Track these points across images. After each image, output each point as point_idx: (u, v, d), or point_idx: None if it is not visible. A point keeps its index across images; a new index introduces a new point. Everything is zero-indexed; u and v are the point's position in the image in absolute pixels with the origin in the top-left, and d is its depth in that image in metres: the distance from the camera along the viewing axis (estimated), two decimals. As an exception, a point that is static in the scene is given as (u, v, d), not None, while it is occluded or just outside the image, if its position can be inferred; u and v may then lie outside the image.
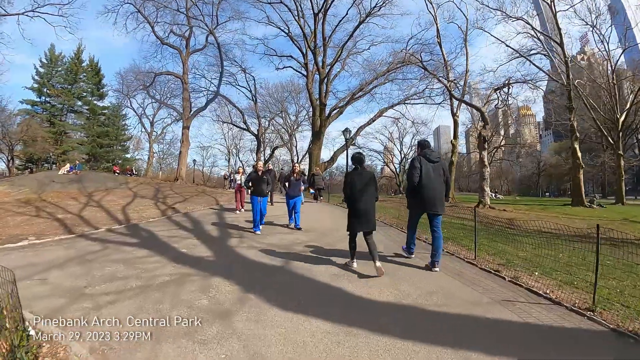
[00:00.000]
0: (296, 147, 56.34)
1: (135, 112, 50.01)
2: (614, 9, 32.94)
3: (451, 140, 30.54)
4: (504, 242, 8.21)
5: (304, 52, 32.38)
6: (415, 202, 6.21)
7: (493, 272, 5.90)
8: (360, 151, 10.67)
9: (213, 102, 37.36)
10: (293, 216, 10.05)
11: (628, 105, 31.73)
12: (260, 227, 9.34)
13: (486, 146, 21.47)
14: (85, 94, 48.96)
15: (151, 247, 7.30)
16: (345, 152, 23.01)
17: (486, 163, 21.13)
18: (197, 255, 6.73)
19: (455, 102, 29.13)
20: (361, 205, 5.73)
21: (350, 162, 7.05)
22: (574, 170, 26.66)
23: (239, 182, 13.66)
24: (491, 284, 5.29)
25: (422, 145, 6.43)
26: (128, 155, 55.37)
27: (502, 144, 64.96)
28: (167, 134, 56.26)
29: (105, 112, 50.98)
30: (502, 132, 64.89)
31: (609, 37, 31.37)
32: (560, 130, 50.55)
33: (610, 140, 32.64)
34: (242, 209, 13.43)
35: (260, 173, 9.81)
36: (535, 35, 28.78)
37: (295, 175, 10.40)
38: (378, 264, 5.56)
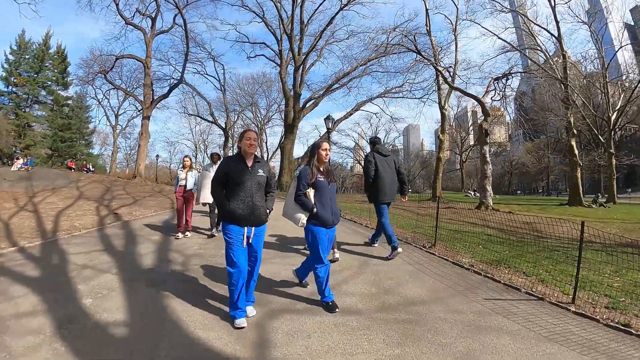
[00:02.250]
0: (266, 143, 54.88)
1: (99, 102, 47.38)
2: (593, 11, 32.36)
3: (438, 135, 29.26)
4: (566, 260, 6.76)
5: (279, 38, 30.75)
6: (375, 194, 6.70)
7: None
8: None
9: (179, 93, 35.45)
10: (321, 279, 4.30)
11: (620, 104, 31.23)
12: (249, 308, 4.05)
13: (488, 140, 19.96)
14: (50, 82, 45.80)
15: (46, 288, 4.70)
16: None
17: (488, 159, 19.23)
18: (105, 320, 3.79)
19: (444, 94, 27.85)
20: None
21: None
22: (571, 168, 25.86)
23: (182, 183, 8.46)
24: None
25: (374, 141, 7.11)
26: (93, 151, 52.75)
27: (471, 143, 65.01)
28: (135, 128, 53.54)
29: (69, 103, 47.97)
30: (471, 132, 65.31)
31: (602, 37, 30.81)
32: (529, 130, 51.28)
33: (602, 139, 32.30)
34: (188, 233, 8.35)
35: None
36: (527, 30, 27.92)
37: (322, 170, 4.50)
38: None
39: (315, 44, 29.89)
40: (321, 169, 4.44)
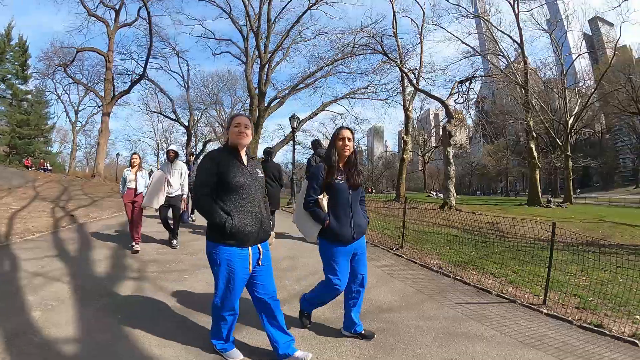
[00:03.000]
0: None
1: (58, 97, 44.86)
2: (554, 20, 33.82)
3: (402, 137, 29.61)
4: (532, 261, 6.81)
5: (245, 35, 29.94)
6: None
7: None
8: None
9: (142, 89, 33.86)
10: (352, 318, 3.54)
11: (577, 109, 32.63)
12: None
13: (451, 142, 20.37)
14: (9, 76, 42.65)
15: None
16: (292, 143, 20.95)
17: (451, 160, 19.65)
18: (54, 335, 3.35)
19: (408, 96, 28.17)
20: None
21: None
22: (530, 169, 26.75)
23: (131, 185, 7.19)
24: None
25: (316, 145, 8.37)
26: (51, 149, 49.57)
27: (434, 145, 66.58)
28: (95, 125, 50.81)
29: (29, 98, 44.83)
30: (433, 134, 66.94)
31: (562, 44, 32.16)
32: (490, 133, 53.26)
33: (559, 142, 33.59)
34: (138, 246, 6.89)
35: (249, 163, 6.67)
36: (491, 35, 28.75)
37: (341, 169, 3.43)
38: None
39: (282, 43, 29.43)
40: (340, 166, 3.36)
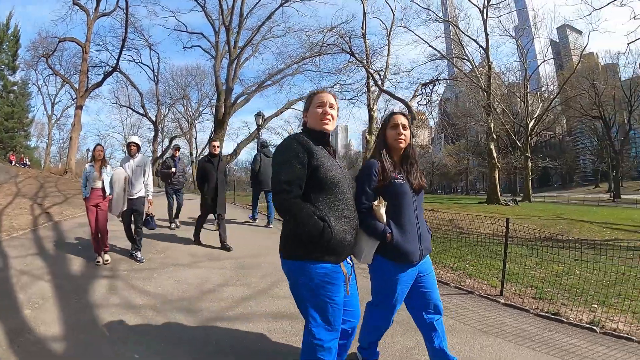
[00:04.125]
0: (196, 138, 51.81)
1: (39, 89, 43.03)
2: (521, 27, 35.13)
3: (366, 136, 30.02)
4: (489, 255, 6.99)
5: (217, 29, 29.43)
6: (256, 185, 9.36)
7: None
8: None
9: (113, 82, 32.69)
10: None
11: (538, 112, 33.94)
12: None
13: (413, 142, 20.68)
14: (2, 67, 40.58)
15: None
16: (256, 141, 20.76)
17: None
18: (44, 333, 3.33)
19: (373, 97, 28.50)
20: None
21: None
22: (490, 170, 27.44)
23: (97, 185, 5.89)
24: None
25: (263, 144, 10.37)
26: (30, 143, 47.46)
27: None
28: (69, 119, 48.85)
29: (15, 90, 42.63)
30: None
31: (527, 50, 33.38)
32: (451, 134, 55.12)
33: (519, 144, 34.80)
34: (108, 257, 5.86)
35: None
36: (457, 40, 29.45)
37: (398, 165, 2.61)
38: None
39: (252, 38, 29.09)
40: (395, 161, 2.56)
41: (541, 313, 4.05)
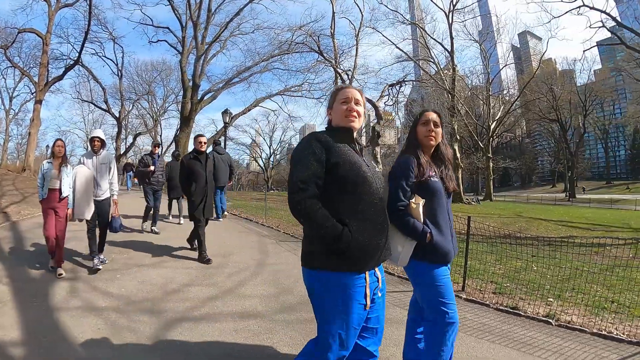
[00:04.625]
0: (161, 135, 50.21)
1: None
2: (485, 32, 36.34)
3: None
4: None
5: (184, 24, 28.78)
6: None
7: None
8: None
9: (75, 76, 31.24)
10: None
11: (499, 114, 35.12)
12: None
13: (379, 142, 21.04)
14: None
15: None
16: (222, 138, 20.43)
17: (379, 160, 20.41)
18: (2, 338, 3.16)
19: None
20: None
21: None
22: (453, 169, 28.23)
23: (54, 185, 5.12)
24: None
25: (216, 143, 10.79)
26: None
27: (364, 145, 69.06)
28: (28, 114, 46.41)
29: None
30: (363, 134, 69.17)
31: (490, 55, 34.52)
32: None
33: (481, 145, 35.93)
34: (62, 272, 4.93)
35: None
36: (424, 42, 30.08)
37: (438, 165, 2.54)
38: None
39: (220, 34, 28.58)
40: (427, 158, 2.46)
41: (500, 307, 4.18)
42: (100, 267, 5.18)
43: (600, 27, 20.25)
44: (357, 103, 2.07)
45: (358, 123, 2.08)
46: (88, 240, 5.36)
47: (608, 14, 19.23)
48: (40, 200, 5.16)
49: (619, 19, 21.38)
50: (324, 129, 2.17)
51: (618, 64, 55.24)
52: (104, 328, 3.41)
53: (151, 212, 8.30)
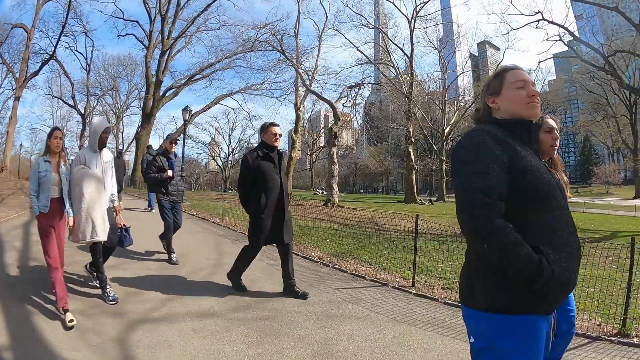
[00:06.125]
0: (122, 133, 48.85)
1: None
2: (445, 40, 37.69)
3: (292, 135, 30.30)
4: (404, 249, 7.26)
5: (153, 17, 28.28)
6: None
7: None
8: None
9: (48, 70, 29.88)
10: None
11: (454, 119, 36.39)
12: None
13: (336, 142, 21.24)
14: None
15: None
16: (182, 136, 19.99)
17: (335, 160, 20.49)
18: None
19: (300, 96, 28.81)
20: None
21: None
22: (407, 171, 29.10)
23: (54, 194, 3.80)
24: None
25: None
26: None
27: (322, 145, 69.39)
28: (8, 111, 43.50)
29: None
30: (322, 134, 69.82)
31: (448, 62, 35.78)
32: (374, 136, 57.91)
33: (435, 148, 37.14)
34: (71, 317, 3.41)
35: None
36: (385, 46, 30.71)
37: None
38: None
39: (187, 29, 28.30)
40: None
41: (449, 302, 4.32)
42: (112, 304, 3.96)
43: (557, 40, 21.26)
44: (534, 86, 1.61)
45: (538, 113, 1.62)
46: (97, 265, 4.18)
47: (566, 29, 20.21)
48: (37, 215, 3.75)
49: (577, 33, 22.58)
50: (487, 122, 1.62)
51: (573, 76, 58.68)
52: (74, 332, 3.29)
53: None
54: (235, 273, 4.59)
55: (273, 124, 4.44)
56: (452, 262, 6.28)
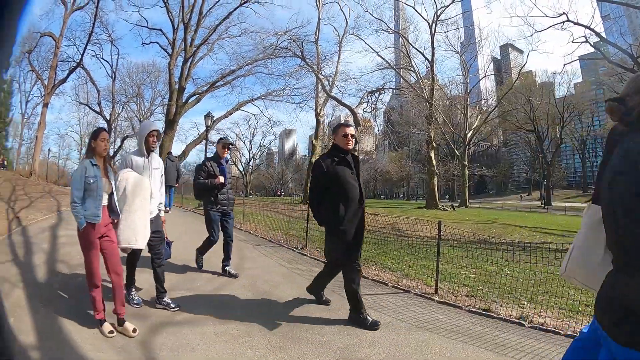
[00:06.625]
0: None
1: (19, 87, 39.34)
2: (467, 44, 37.30)
3: (312, 140, 30.31)
4: (426, 256, 7.18)
5: (176, 26, 28.85)
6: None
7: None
8: None
9: (75, 78, 31.06)
10: None
11: (476, 124, 35.86)
12: None
13: (357, 148, 21.14)
14: None
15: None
16: (205, 143, 20.21)
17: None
18: (24, 342, 3.09)
19: (321, 102, 28.88)
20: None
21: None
22: (429, 176, 28.72)
23: (105, 199, 3.43)
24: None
25: (169, 153, 11.89)
26: (7, 143, 43.76)
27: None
28: (37, 117, 45.35)
29: (4, 88, 39.19)
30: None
31: (470, 66, 35.35)
32: (394, 141, 57.51)
33: (457, 153, 36.60)
34: (126, 325, 3.34)
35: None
36: (405, 51, 30.54)
37: None
38: None
39: (209, 37, 28.67)
40: None
41: (473, 309, 4.21)
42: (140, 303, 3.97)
43: (583, 42, 20.77)
44: None
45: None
46: (128, 278, 4.02)
47: (592, 30, 19.74)
48: (84, 227, 3.25)
49: (603, 34, 21.98)
50: None
51: (600, 78, 57.06)
52: (98, 334, 3.30)
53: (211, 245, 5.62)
54: (316, 290, 4.31)
55: (344, 125, 3.95)
56: (476, 270, 6.14)
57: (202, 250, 5.64)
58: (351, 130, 3.87)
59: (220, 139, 5.66)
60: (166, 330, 3.47)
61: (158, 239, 3.97)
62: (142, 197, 3.72)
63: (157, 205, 4.01)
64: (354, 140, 3.89)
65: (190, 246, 5.88)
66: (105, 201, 3.41)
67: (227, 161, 5.60)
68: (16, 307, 3.86)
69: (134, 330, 3.25)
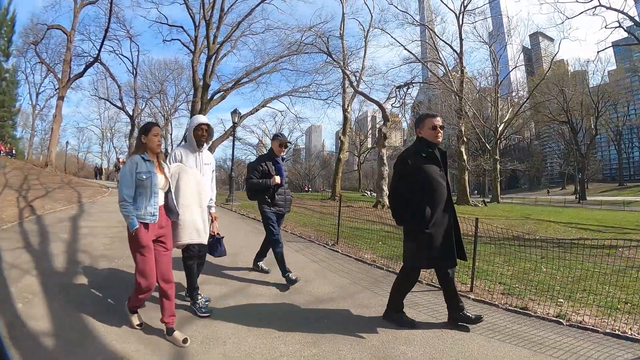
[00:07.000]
0: (171, 134, 50.79)
1: (26, 77, 41.91)
2: (495, 34, 36.40)
3: (340, 137, 30.13)
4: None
5: (197, 23, 29.10)
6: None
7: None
8: None
9: (93, 73, 32.01)
10: None
11: (507, 116, 35.00)
12: None
13: (386, 143, 21.01)
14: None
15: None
16: (232, 139, 20.30)
17: (385, 161, 20.23)
18: (35, 328, 3.18)
19: (348, 97, 28.72)
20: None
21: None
22: (459, 172, 28.21)
23: (161, 197, 3.28)
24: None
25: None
26: (16, 133, 45.57)
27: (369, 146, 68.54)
28: (51, 110, 47.13)
29: (6, 77, 40.47)
30: (369, 135, 68.91)
31: (500, 57, 34.48)
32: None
33: (488, 147, 35.82)
34: (176, 334, 3.14)
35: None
36: (433, 44, 30.10)
37: None
38: None
39: (231, 34, 28.75)
40: None
41: (510, 308, 4.17)
42: (206, 311, 3.74)
43: (616, 27, 20.00)
44: None
45: None
46: (188, 273, 3.92)
47: (625, 14, 18.96)
48: (137, 229, 3.04)
49: (637, 18, 21.06)
50: None
51: (634, 64, 54.56)
52: (123, 325, 3.35)
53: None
54: (393, 307, 3.74)
55: (431, 115, 3.61)
56: (511, 267, 6.05)
57: (260, 254, 5.53)
58: (439, 122, 3.57)
59: (277, 135, 5.29)
60: (196, 323, 3.53)
61: (211, 238, 3.96)
62: (197, 192, 3.66)
63: (208, 202, 3.93)
64: (440, 132, 3.59)
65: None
66: (161, 200, 3.27)
67: (283, 159, 5.25)
68: (28, 293, 3.95)
69: (185, 341, 3.06)
